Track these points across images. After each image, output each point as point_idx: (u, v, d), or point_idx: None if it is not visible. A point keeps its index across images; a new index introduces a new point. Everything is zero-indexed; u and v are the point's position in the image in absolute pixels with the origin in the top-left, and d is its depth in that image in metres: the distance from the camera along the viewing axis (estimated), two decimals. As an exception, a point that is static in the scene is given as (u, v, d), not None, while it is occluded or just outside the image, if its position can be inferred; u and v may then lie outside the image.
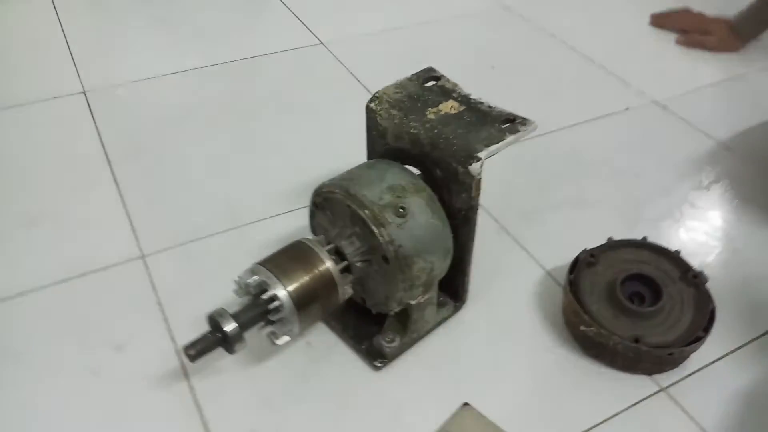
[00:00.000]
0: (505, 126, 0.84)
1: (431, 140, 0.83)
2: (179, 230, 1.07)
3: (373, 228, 0.79)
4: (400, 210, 0.80)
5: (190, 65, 1.49)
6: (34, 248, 1.02)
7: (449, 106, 0.89)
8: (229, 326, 0.74)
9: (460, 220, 0.85)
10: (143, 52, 1.56)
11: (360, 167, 0.88)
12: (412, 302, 0.86)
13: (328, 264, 0.80)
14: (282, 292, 0.76)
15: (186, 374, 0.86)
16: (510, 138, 0.82)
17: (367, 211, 0.79)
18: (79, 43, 1.55)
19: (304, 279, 0.78)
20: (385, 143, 0.92)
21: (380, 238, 0.79)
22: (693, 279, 0.91)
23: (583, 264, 0.94)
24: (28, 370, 0.85)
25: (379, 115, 0.89)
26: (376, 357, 0.89)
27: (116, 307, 0.95)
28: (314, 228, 0.91)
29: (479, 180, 0.80)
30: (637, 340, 0.84)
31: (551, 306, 0.97)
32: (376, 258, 0.80)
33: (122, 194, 1.12)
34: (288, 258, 0.80)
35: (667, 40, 1.67)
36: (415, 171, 0.88)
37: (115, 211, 1.09)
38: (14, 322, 0.91)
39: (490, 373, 0.89)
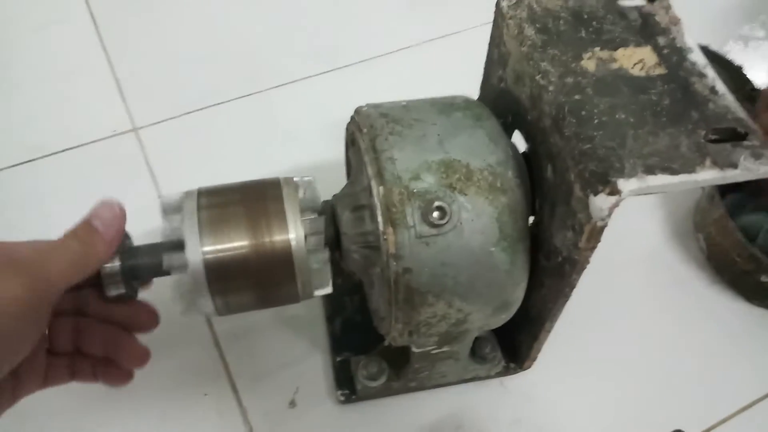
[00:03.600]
0: (716, 140, 0.41)
1: (557, 111, 0.43)
2: (174, 102, 0.83)
3: (379, 222, 0.44)
4: (438, 211, 0.44)
5: None
6: (22, 120, 0.81)
7: (638, 59, 0.46)
8: (109, 264, 0.47)
9: (552, 267, 0.47)
10: None
11: (432, 102, 0.50)
12: (416, 351, 0.52)
13: (291, 237, 0.47)
14: (194, 251, 0.46)
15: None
16: (706, 174, 0.39)
17: (381, 189, 0.44)
18: None
19: (240, 245, 0.47)
20: (502, 79, 0.52)
21: (381, 245, 0.44)
22: (750, 92, 0.77)
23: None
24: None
25: (508, 26, 0.49)
26: (344, 385, 0.58)
27: (108, 180, 0.74)
28: (348, 166, 0.58)
29: (600, 227, 0.40)
30: None
31: None
32: (379, 259, 0.47)
33: (113, 65, 0.87)
34: (237, 202, 0.49)
35: None
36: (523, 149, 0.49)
37: (106, 83, 0.86)
38: (4, 194, 0.75)
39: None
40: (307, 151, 0.77)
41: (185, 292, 0.48)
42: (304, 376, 0.60)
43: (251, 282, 0.48)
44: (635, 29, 0.48)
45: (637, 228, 0.73)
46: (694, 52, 0.47)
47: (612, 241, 0.71)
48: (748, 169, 0.39)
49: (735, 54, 0.86)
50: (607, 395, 0.60)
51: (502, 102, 0.53)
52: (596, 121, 0.41)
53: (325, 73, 0.86)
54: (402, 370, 0.56)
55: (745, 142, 0.40)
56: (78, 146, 0.77)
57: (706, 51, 0.84)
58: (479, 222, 0.45)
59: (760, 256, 0.63)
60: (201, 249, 0.46)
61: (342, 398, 0.57)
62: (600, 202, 0.38)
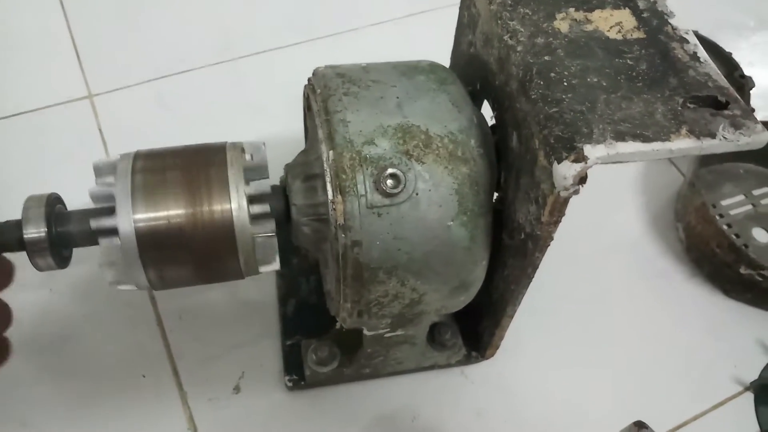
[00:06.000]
0: (694, 106, 0.37)
1: (524, 73, 0.39)
2: (134, 69, 0.79)
3: (328, 190, 0.40)
4: (391, 179, 0.40)
5: None
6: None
7: (615, 21, 0.42)
8: (34, 231, 0.43)
9: (515, 246, 0.43)
10: None
11: (394, 65, 0.47)
12: (367, 333, 0.48)
13: (233, 206, 0.43)
14: (125, 217, 0.42)
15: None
16: (681, 143, 0.35)
17: (331, 153, 0.40)
18: None
19: (176, 213, 0.43)
20: (471, 43, 0.49)
21: (330, 215, 0.40)
22: (739, 79, 0.77)
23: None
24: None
25: (477, -16, 0.45)
26: (292, 370, 0.54)
27: (58, 147, 0.69)
28: (305, 134, 0.54)
29: (564, 198, 0.36)
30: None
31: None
32: (329, 233, 0.43)
33: (72, 30, 0.82)
34: (176, 166, 0.44)
35: None
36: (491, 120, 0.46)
37: (65, 48, 0.81)
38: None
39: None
40: (275, 124, 0.72)
41: (115, 260, 0.44)
42: (253, 360, 0.56)
43: (188, 254, 0.44)
44: (614, -10, 0.44)
45: (615, 217, 0.70)
46: (676, 17, 0.43)
47: (587, 230, 0.68)
48: (727, 139, 0.35)
49: (725, 42, 0.83)
50: (576, 388, 0.57)
51: (470, 69, 0.49)
52: (566, 83, 0.38)
53: (299, 44, 0.82)
54: (355, 356, 0.52)
55: (726, 111, 0.37)
56: (31, 111, 0.72)
57: (696, 36, 0.83)
58: (437, 193, 0.41)
59: (740, 246, 0.59)
60: (133, 216, 0.42)
61: (289, 384, 0.53)
62: (564, 169, 0.34)
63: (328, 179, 0.40)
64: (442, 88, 0.44)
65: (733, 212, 0.69)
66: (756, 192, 0.71)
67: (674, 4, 0.46)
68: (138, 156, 0.45)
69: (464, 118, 0.42)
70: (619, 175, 0.72)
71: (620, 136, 0.35)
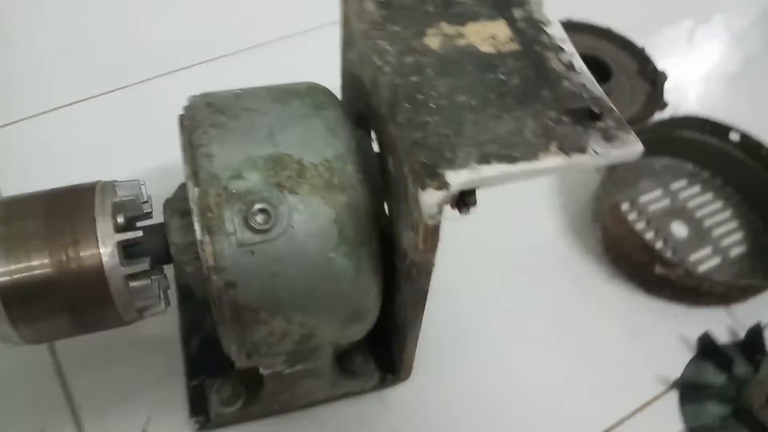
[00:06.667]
0: (567, 120, 0.36)
1: (391, 96, 0.37)
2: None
3: (196, 230, 0.38)
4: (261, 215, 0.38)
5: None
6: None
7: (489, 34, 0.41)
8: None
9: (404, 271, 0.41)
10: None
11: (269, 89, 0.44)
12: (263, 371, 0.46)
13: (102, 251, 0.40)
14: (-14, 277, 0.39)
15: None
16: (550, 161, 0.34)
17: (196, 190, 0.38)
18: None
19: (39, 263, 0.40)
20: (353, 62, 0.47)
21: (200, 255, 0.38)
22: (652, 74, 0.80)
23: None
24: None
25: (349, 0, 0.43)
26: (199, 412, 0.51)
27: None
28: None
29: (432, 227, 0.35)
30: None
31: None
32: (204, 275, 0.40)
33: None
34: (39, 213, 0.41)
35: None
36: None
37: None
38: None
39: None
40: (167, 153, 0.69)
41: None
42: (159, 403, 0.53)
43: (60, 305, 0.41)
44: (490, 1, 0.42)
45: (533, 219, 0.69)
46: (553, 25, 0.42)
47: (505, 236, 0.67)
48: (598, 153, 0.34)
49: (639, 37, 0.83)
50: (498, 401, 0.56)
51: (354, 89, 0.47)
52: (433, 105, 0.36)
53: (202, 63, 0.79)
54: (259, 394, 0.50)
55: (599, 123, 0.36)
56: None
57: (608, 32, 0.82)
58: (314, 224, 0.39)
59: (652, 246, 0.59)
60: (-6, 270, 0.40)
61: (197, 426, 0.51)
62: (428, 198, 0.33)
63: (195, 218, 0.38)
64: (317, 113, 0.42)
65: (651, 208, 0.69)
66: (673, 186, 0.71)
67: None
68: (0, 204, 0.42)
69: (340, 143, 0.41)
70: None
71: (485, 159, 0.33)
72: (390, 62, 0.38)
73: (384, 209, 0.43)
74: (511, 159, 0.33)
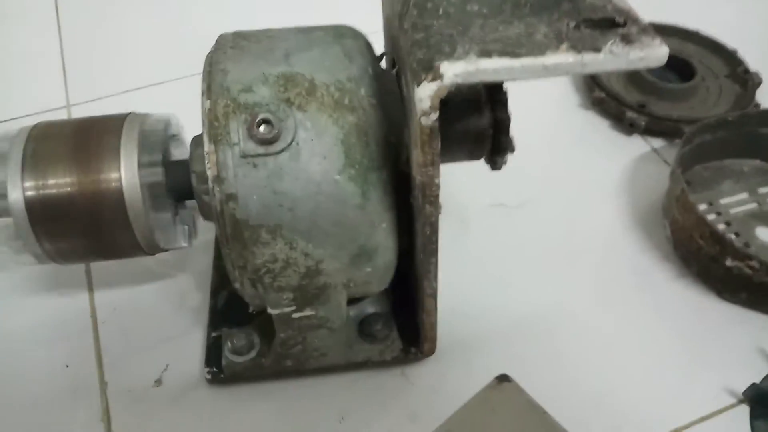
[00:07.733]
0: (591, 28, 0.33)
1: (402, 6, 0.36)
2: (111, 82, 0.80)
3: (204, 141, 0.38)
4: (264, 125, 0.37)
5: None
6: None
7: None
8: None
9: (417, 206, 0.39)
10: None
11: (302, 28, 0.45)
12: (271, 311, 0.44)
13: (122, 175, 0.42)
14: (15, 186, 0.41)
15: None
16: (557, 57, 0.31)
17: (208, 102, 0.38)
18: None
19: (64, 181, 0.42)
20: (385, 4, 0.46)
21: (206, 167, 0.38)
22: (743, 75, 0.74)
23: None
24: None
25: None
26: (213, 362, 0.50)
27: None
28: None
29: (427, 127, 0.32)
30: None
31: None
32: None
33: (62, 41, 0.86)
34: (70, 135, 0.43)
35: None
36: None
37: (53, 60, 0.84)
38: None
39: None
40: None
41: (11, 236, 0.43)
42: (179, 353, 0.52)
43: (80, 225, 0.43)
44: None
45: (598, 214, 0.64)
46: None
47: (568, 228, 0.63)
48: (613, 53, 0.31)
49: (732, 41, 0.77)
50: (546, 399, 0.50)
51: (388, 31, 0.46)
52: (440, 11, 0.34)
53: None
54: (270, 344, 0.48)
55: (620, 30, 0.32)
56: (10, 119, 0.75)
57: (696, 35, 0.77)
58: (320, 143, 0.38)
59: (722, 234, 0.52)
60: (22, 184, 0.42)
61: (208, 377, 0.49)
62: (422, 92, 0.31)
63: (203, 130, 0.38)
64: (337, 41, 0.41)
65: (733, 211, 0.62)
66: (762, 190, 0.63)
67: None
68: (35, 126, 0.44)
69: (356, 67, 0.40)
70: (605, 174, 0.67)
71: (486, 53, 0.31)
72: (407, -21, 0.38)
73: (405, 149, 0.41)
74: (514, 55, 0.31)
